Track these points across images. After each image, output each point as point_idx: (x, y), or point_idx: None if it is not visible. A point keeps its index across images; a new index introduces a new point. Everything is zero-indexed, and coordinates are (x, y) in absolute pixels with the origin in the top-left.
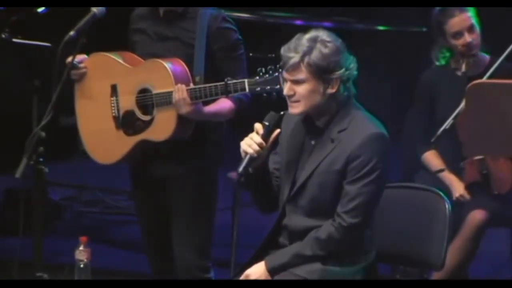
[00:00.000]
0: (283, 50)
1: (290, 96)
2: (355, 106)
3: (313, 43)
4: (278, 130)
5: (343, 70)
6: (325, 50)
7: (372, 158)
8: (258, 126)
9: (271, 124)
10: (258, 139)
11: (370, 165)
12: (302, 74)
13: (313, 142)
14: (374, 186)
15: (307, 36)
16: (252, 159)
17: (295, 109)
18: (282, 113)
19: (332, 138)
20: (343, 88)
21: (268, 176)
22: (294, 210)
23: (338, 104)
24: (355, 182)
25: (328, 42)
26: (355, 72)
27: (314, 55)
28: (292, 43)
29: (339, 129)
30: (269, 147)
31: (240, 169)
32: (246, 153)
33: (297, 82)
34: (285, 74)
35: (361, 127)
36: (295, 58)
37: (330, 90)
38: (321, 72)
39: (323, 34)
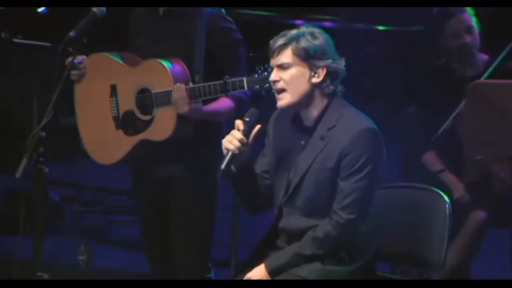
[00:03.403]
0: (272, 40)
1: (276, 82)
2: (343, 103)
3: (301, 32)
4: (258, 126)
5: (330, 60)
6: (314, 41)
7: (363, 153)
8: (238, 122)
9: (252, 120)
10: (239, 135)
11: (362, 160)
12: (287, 58)
13: (303, 142)
14: (368, 181)
15: (298, 29)
16: (233, 155)
17: (282, 101)
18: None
19: (321, 136)
20: (329, 81)
21: (253, 176)
22: (291, 212)
23: (325, 99)
24: (348, 178)
25: (318, 33)
26: (343, 69)
27: (303, 42)
28: (281, 33)
29: (328, 127)
30: (251, 143)
31: (222, 166)
32: (228, 150)
33: (282, 67)
34: (271, 61)
35: (350, 123)
36: (281, 41)
37: (316, 79)
38: (307, 56)
39: (312, 29)
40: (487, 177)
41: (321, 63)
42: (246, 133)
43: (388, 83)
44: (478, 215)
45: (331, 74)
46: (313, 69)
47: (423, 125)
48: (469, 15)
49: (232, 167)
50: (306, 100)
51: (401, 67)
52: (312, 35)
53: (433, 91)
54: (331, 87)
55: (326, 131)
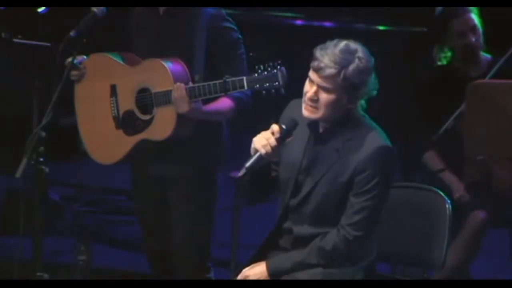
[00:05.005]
0: (319, 53)
1: (312, 100)
2: (360, 115)
3: (351, 56)
4: (291, 137)
5: (367, 89)
6: (361, 66)
7: (378, 173)
8: (276, 128)
9: (288, 129)
10: (274, 142)
11: (376, 179)
12: (332, 84)
13: (316, 148)
14: (379, 200)
15: (345, 46)
16: (261, 157)
17: (311, 113)
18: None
19: (336, 148)
20: (360, 105)
21: (269, 172)
22: (299, 218)
23: (345, 113)
24: (360, 195)
25: (363, 59)
26: (374, 92)
27: (351, 69)
28: (330, 48)
29: (344, 139)
30: (279, 148)
31: (248, 165)
32: (257, 151)
33: (325, 89)
34: (315, 77)
35: (367, 138)
36: (333, 70)
37: (350, 105)
38: (351, 88)
39: (361, 50)
40: (487, 177)
41: (360, 94)
42: (280, 141)
43: (390, 83)
44: (478, 215)
45: (362, 100)
46: (351, 97)
47: (424, 125)
48: (474, 15)
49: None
50: (332, 119)
51: (404, 67)
52: (360, 60)
53: (435, 90)
54: (358, 108)
55: (341, 143)
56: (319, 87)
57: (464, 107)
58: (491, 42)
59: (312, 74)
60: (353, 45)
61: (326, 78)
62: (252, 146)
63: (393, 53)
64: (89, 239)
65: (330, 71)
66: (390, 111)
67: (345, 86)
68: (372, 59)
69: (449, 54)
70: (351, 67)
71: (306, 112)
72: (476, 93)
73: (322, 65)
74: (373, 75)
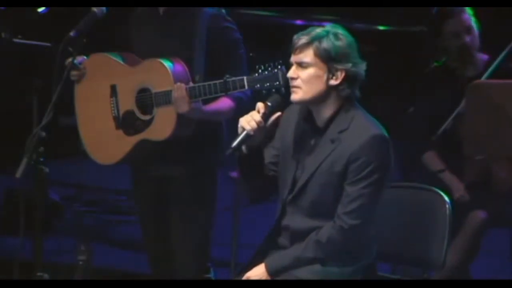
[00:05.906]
0: (295, 36)
1: (293, 80)
2: (356, 106)
3: (325, 32)
4: (279, 113)
5: (350, 64)
6: (337, 42)
7: (372, 160)
8: (260, 105)
9: (273, 105)
10: (258, 118)
11: (371, 167)
12: (308, 57)
13: (312, 142)
14: (375, 188)
15: (320, 27)
16: (248, 136)
17: (295, 95)
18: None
19: (332, 138)
20: (347, 85)
21: (262, 162)
22: (296, 211)
23: (339, 101)
24: (355, 183)
25: (341, 35)
26: (362, 73)
27: (325, 43)
28: (306, 30)
29: (339, 130)
30: (267, 128)
31: (234, 143)
32: (243, 129)
33: (302, 65)
34: (292, 57)
35: (361, 128)
36: (304, 39)
37: (333, 82)
38: (328, 58)
39: (338, 29)
40: (487, 177)
41: (341, 67)
42: (266, 117)
43: (389, 82)
44: (478, 215)
45: (349, 78)
46: (331, 71)
47: (423, 125)
48: (469, 15)
49: (243, 148)
50: (319, 99)
51: (402, 67)
52: (336, 36)
53: (433, 91)
54: (348, 91)
55: (337, 133)
56: (297, 64)
57: (462, 107)
58: (488, 42)
59: (291, 58)
60: (330, 26)
61: (299, 51)
62: (239, 125)
63: (393, 53)
64: (89, 239)
65: (302, 41)
66: (389, 111)
67: (321, 57)
68: (353, 40)
69: (445, 54)
70: (325, 39)
71: (292, 96)
72: (476, 93)
73: (295, 41)
74: (355, 53)
